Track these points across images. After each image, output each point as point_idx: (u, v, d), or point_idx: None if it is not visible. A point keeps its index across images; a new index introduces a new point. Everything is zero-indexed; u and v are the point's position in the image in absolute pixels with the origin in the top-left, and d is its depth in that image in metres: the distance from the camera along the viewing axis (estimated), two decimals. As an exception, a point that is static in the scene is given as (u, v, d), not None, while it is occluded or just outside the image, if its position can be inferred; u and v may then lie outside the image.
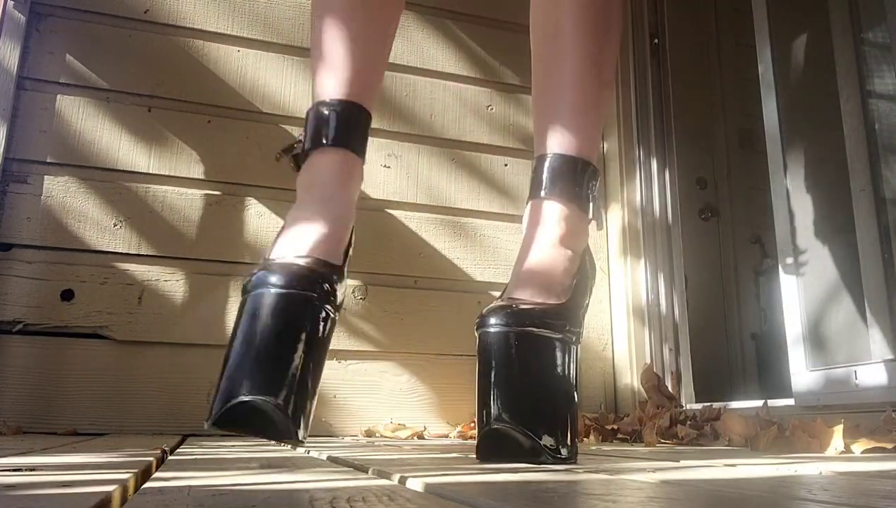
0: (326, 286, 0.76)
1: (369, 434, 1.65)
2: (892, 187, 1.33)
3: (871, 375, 1.26)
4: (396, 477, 0.56)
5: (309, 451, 0.97)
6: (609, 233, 2.04)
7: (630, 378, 1.90)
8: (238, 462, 0.73)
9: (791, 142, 1.51)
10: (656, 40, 2.11)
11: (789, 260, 1.47)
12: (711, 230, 2.51)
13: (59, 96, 1.62)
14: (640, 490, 0.50)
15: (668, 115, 2.05)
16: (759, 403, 1.44)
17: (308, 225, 0.80)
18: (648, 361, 1.89)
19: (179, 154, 1.69)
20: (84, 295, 1.55)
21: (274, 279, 0.73)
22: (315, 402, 0.76)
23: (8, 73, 1.58)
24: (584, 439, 1.47)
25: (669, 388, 1.83)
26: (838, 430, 1.00)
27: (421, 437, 1.65)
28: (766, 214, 1.62)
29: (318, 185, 0.84)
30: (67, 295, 1.54)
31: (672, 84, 2.07)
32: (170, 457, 0.83)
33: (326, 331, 0.76)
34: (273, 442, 1.09)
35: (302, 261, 0.76)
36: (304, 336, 0.74)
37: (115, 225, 1.60)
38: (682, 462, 0.78)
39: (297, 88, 1.81)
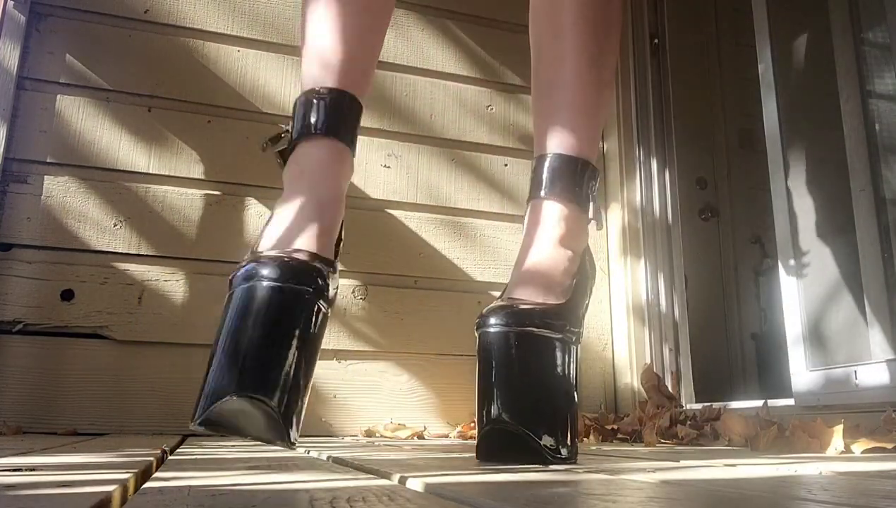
0: (320, 281, 0.72)
1: (369, 434, 1.65)
2: (892, 187, 1.33)
3: (871, 375, 1.26)
4: (396, 477, 0.56)
5: (309, 451, 0.97)
6: (609, 233, 2.04)
7: (630, 378, 1.90)
8: (238, 462, 0.73)
9: (791, 142, 1.51)
10: (656, 40, 2.11)
11: (789, 261, 1.47)
12: (711, 230, 2.51)
13: (59, 96, 1.62)
14: (640, 490, 0.50)
15: (668, 115, 2.05)
16: (759, 403, 1.45)
17: (298, 217, 0.76)
18: (648, 361, 1.89)
19: (179, 154, 1.69)
20: (84, 295, 1.55)
21: (266, 272, 0.70)
22: (306, 403, 0.72)
23: (8, 73, 1.58)
24: (584, 439, 1.47)
25: (669, 388, 1.83)
26: (838, 430, 1.00)
27: (421, 437, 1.65)
28: (766, 214, 1.62)
29: (308, 175, 0.79)
30: (67, 295, 1.54)
31: (672, 84, 2.07)
32: (170, 457, 0.83)
33: (319, 327, 0.73)
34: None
35: (295, 255, 0.73)
36: (297, 332, 0.70)
37: (115, 225, 1.60)
38: (682, 462, 0.78)
39: (297, 88, 1.79)
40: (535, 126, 0.91)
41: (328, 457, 0.84)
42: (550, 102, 0.89)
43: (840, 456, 0.93)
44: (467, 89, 1.98)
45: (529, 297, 0.79)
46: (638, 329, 1.93)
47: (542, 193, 0.84)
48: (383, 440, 1.53)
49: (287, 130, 0.84)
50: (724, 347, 2.45)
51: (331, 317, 0.77)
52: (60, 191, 1.58)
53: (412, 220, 1.85)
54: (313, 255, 0.73)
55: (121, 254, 1.59)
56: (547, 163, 0.85)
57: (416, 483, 0.52)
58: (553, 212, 0.83)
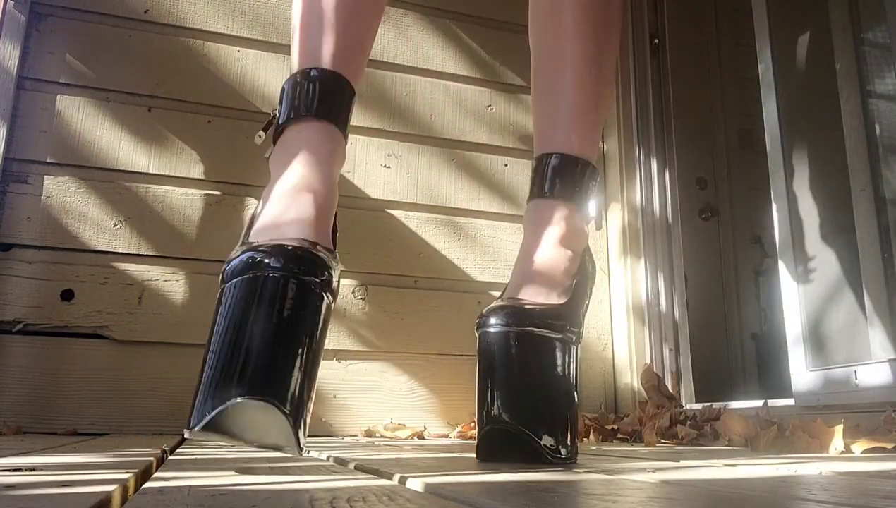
0: (326, 271, 0.66)
1: (369, 434, 1.65)
2: (892, 187, 1.33)
3: (871, 375, 1.26)
4: (396, 477, 0.56)
5: (309, 451, 0.97)
6: (609, 233, 2.04)
7: (630, 378, 1.90)
8: (238, 462, 0.73)
9: (791, 142, 1.51)
10: (656, 40, 2.11)
11: (789, 261, 1.47)
12: (711, 230, 2.51)
13: (59, 96, 1.62)
14: (640, 490, 0.50)
15: (668, 115, 2.05)
16: (759, 403, 1.45)
17: (293, 204, 0.69)
18: (648, 361, 1.89)
19: (179, 154, 1.69)
20: (84, 295, 1.55)
21: (269, 261, 0.63)
22: (312, 403, 0.65)
23: (8, 73, 1.58)
24: (584, 439, 1.47)
25: (669, 388, 1.83)
26: (838, 430, 1.00)
27: (421, 437, 1.65)
28: (766, 214, 1.62)
29: (300, 160, 0.72)
30: (67, 295, 1.54)
31: (672, 84, 2.07)
32: (170, 457, 0.83)
33: (325, 322, 0.66)
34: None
35: (298, 243, 0.66)
36: (306, 327, 0.63)
37: (115, 225, 1.60)
38: (682, 462, 0.78)
39: (297, 88, 1.81)
40: (535, 126, 0.91)
41: (328, 457, 0.84)
42: (550, 102, 0.89)
43: (840, 456, 0.93)
44: (467, 89, 1.98)
45: (530, 297, 0.79)
46: (638, 329, 1.93)
47: (543, 193, 0.84)
48: (383, 440, 1.53)
49: (275, 113, 0.77)
50: (724, 347, 2.45)
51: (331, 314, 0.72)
52: (60, 191, 1.58)
53: (412, 220, 1.85)
54: (315, 244, 0.67)
55: (121, 253, 1.59)
56: (547, 163, 0.85)
57: (416, 483, 0.52)
58: (553, 212, 0.83)
